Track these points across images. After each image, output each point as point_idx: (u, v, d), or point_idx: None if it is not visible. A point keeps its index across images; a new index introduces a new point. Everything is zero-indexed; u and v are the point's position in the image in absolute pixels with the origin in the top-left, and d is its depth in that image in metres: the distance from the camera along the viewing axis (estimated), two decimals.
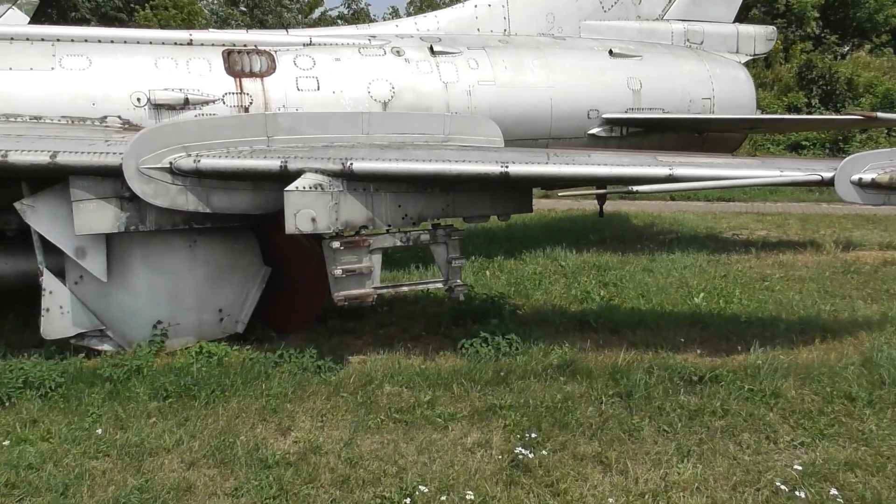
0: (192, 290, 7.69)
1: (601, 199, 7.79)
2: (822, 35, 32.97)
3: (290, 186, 6.48)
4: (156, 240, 7.44)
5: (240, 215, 7.27)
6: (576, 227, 15.80)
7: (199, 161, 6.66)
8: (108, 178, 6.88)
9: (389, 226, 6.89)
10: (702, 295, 9.68)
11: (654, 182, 6.31)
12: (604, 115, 11.88)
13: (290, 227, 6.50)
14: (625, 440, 5.54)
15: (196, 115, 8.52)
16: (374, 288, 6.95)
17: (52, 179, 7.00)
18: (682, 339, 7.77)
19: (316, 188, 6.51)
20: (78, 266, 7.24)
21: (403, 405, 6.27)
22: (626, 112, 12.00)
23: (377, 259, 6.94)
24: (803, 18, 31.38)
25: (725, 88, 12.84)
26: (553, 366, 6.87)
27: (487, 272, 11.36)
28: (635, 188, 6.20)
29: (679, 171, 6.25)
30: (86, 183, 6.78)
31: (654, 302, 9.48)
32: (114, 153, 6.74)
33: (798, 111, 26.24)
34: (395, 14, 46.01)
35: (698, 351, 7.44)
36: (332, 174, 6.55)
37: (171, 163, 6.68)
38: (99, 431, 5.78)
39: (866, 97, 27.67)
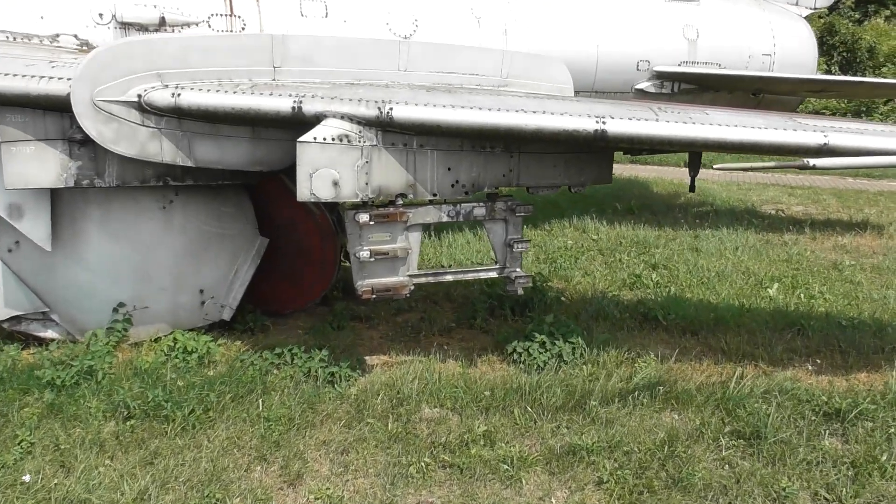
0: (166, 264, 5.93)
1: (695, 170, 6.32)
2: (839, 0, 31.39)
3: (306, 136, 4.70)
4: (118, 198, 5.63)
5: (232, 171, 5.47)
6: (597, 193, 14.17)
7: (179, 95, 4.83)
8: (53, 114, 5.04)
9: (435, 195, 5.16)
10: (776, 286, 8.14)
11: (805, 153, 4.66)
12: (655, 68, 10.18)
13: (304, 192, 4.75)
14: None
15: None
16: (410, 276, 5.24)
17: None
18: (781, 348, 6.22)
19: (341, 140, 4.74)
20: (12, 229, 5.43)
21: (452, 439, 4.65)
22: (679, 65, 10.31)
23: (416, 238, 5.23)
24: None
25: (787, 44, 11.15)
26: (640, 387, 5.27)
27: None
28: (812, 161, 4.55)
29: (837, 140, 4.60)
30: (20, 119, 4.94)
31: (721, 292, 7.93)
32: (59, 78, 4.89)
33: None
34: None
35: (810, 366, 5.90)
36: (364, 122, 4.77)
37: (139, 95, 4.85)
38: (27, 478, 4.06)
39: (888, 66, 26.22)
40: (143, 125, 4.92)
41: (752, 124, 4.79)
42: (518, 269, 5.43)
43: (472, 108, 4.81)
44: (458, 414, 4.98)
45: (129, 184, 5.39)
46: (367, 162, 4.84)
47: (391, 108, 4.75)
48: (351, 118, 4.76)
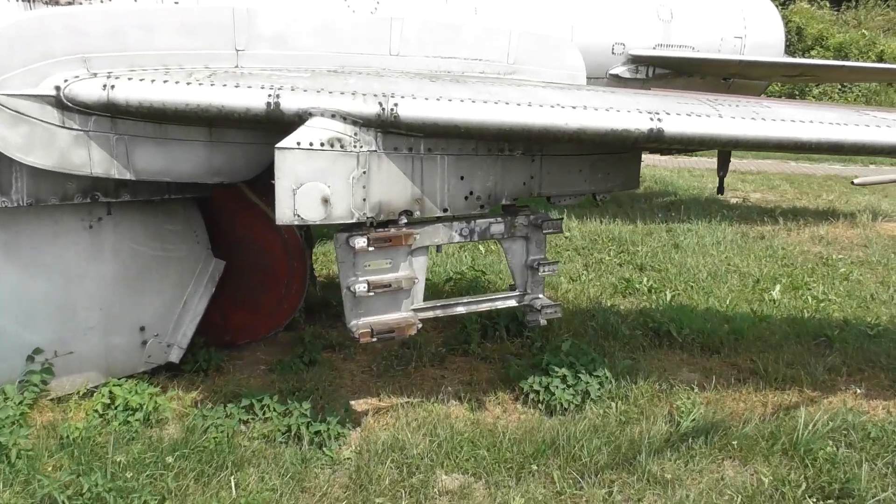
0: (95, 297, 4.70)
1: (724, 170, 5.58)
2: None
3: (287, 141, 3.61)
4: (29, 218, 4.37)
5: (181, 184, 4.31)
6: None
7: (113, 87, 3.64)
8: None
9: (446, 210, 4.16)
10: (777, 288, 7.55)
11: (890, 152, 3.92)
12: (630, 52, 9.44)
13: (285, 213, 3.66)
14: None
15: None
16: (415, 310, 4.23)
17: None
18: (821, 368, 5.55)
19: (332, 145, 3.67)
20: None
21: None
22: (654, 48, 9.62)
23: (421, 264, 4.22)
24: None
25: (757, 26, 10.63)
26: (691, 432, 4.45)
27: (480, 246, 8.82)
28: None
29: None
30: None
31: (722, 296, 7.28)
32: None
33: None
34: None
35: (858, 390, 5.25)
36: (362, 122, 3.72)
37: (58, 87, 3.63)
38: None
39: (817, 49, 26.62)
40: (64, 127, 3.70)
41: (825, 119, 4.00)
42: (541, 297, 4.51)
43: (496, 102, 3.82)
44: (483, 481, 4.04)
45: (46, 202, 4.15)
46: (364, 172, 3.80)
47: (396, 104, 3.71)
48: (344, 117, 3.69)
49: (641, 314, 6.67)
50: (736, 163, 17.60)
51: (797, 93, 23.93)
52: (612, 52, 9.28)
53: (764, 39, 10.62)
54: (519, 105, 3.81)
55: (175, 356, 5.06)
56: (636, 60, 9.46)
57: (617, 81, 9.40)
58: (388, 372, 5.47)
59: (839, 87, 24.17)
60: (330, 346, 5.87)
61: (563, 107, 3.85)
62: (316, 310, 6.51)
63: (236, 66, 4.02)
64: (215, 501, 3.71)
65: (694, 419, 4.56)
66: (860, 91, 23.63)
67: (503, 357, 5.70)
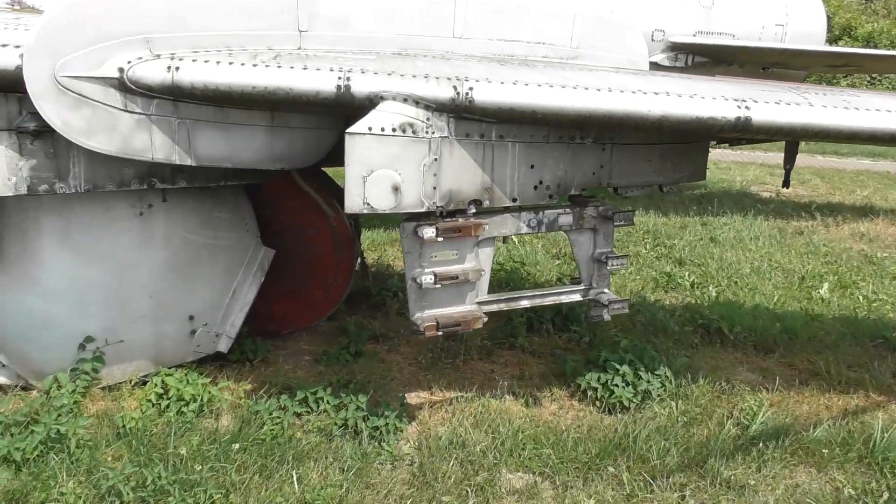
0: (145, 285, 4.59)
1: (791, 162, 5.42)
2: None
3: (359, 125, 3.47)
4: (83, 205, 4.25)
5: (238, 170, 4.18)
6: None
7: (178, 69, 3.51)
8: None
9: (515, 199, 4.01)
10: (825, 286, 7.38)
11: None
12: (670, 39, 9.24)
13: (355, 201, 3.53)
14: None
15: None
16: (480, 303, 4.10)
17: None
18: (887, 371, 5.38)
19: (404, 131, 3.53)
20: None
21: None
22: (694, 35, 9.41)
23: (487, 255, 4.08)
24: None
25: (799, 14, 10.37)
26: (762, 436, 4.30)
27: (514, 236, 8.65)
28: None
29: None
30: None
31: (768, 294, 7.11)
32: (1, 45, 3.48)
33: None
34: None
35: None
36: (434, 106, 3.57)
37: (121, 69, 3.49)
38: None
39: (844, 39, 26.21)
40: (127, 110, 3.57)
41: None
42: (607, 291, 4.36)
43: (574, 87, 3.66)
44: (550, 481, 3.91)
45: (103, 188, 4.02)
46: (435, 159, 3.65)
47: (471, 88, 3.56)
48: (417, 101, 3.55)
49: (687, 310, 6.52)
50: (762, 155, 17.36)
51: (824, 82, 23.59)
52: (652, 39, 9.08)
53: (805, 28, 10.37)
54: (599, 91, 3.65)
55: (224, 346, 4.95)
56: (676, 48, 9.28)
57: (656, 70, 9.21)
58: (436, 365, 5.35)
59: (867, 78, 23.80)
60: (374, 337, 5.75)
61: (644, 93, 3.69)
62: (356, 299, 6.38)
63: (299, 48, 3.87)
64: (279, 497, 3.60)
65: (762, 422, 4.41)
66: (889, 83, 23.25)
67: (553, 352, 5.57)
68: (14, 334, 4.41)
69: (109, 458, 3.88)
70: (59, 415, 4.04)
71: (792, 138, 4.68)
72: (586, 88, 3.66)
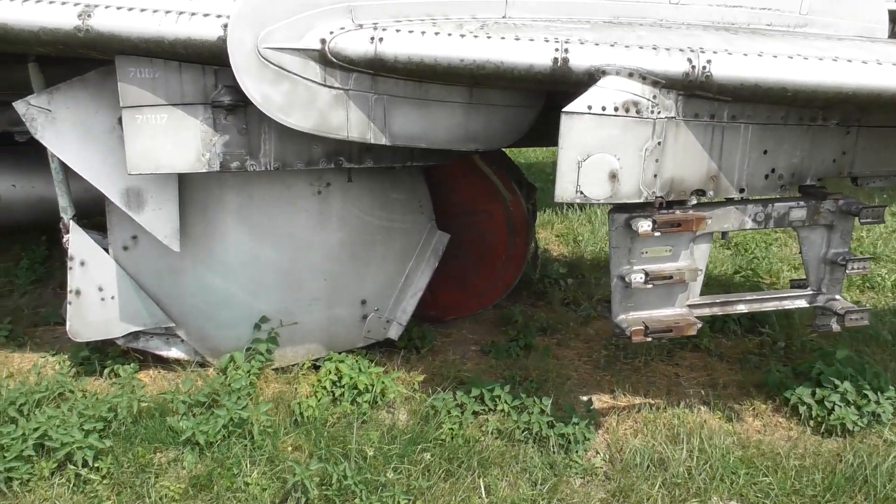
0: (320, 267, 4.45)
1: None
2: None
3: (577, 104, 3.07)
4: (262, 183, 4.12)
5: (428, 151, 3.89)
6: None
7: (381, 40, 3.23)
8: (190, 68, 3.51)
9: (742, 190, 3.49)
10: None
11: None
12: None
13: (567, 189, 3.15)
14: None
15: None
16: (690, 306, 3.62)
17: (82, 59, 3.67)
18: None
19: (627, 110, 3.10)
20: (128, 221, 4.01)
21: None
22: None
23: (703, 253, 3.59)
24: None
25: None
26: None
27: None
28: None
29: None
30: (148, 74, 3.41)
31: None
32: (205, 15, 3.33)
33: None
34: None
35: None
36: (664, 82, 3.11)
37: (323, 41, 3.26)
38: None
39: None
40: (325, 85, 3.34)
41: None
42: (840, 298, 3.76)
43: (834, 60, 3.09)
44: None
45: (292, 166, 3.86)
46: (659, 143, 3.20)
47: (709, 61, 3.07)
48: (644, 76, 3.10)
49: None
50: None
51: None
52: None
53: None
54: (865, 63, 3.06)
55: (394, 333, 4.75)
56: None
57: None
58: (614, 364, 4.92)
59: None
60: (541, 329, 5.39)
61: None
62: (517, 286, 6.01)
63: (504, 17, 3.51)
64: None
65: None
66: None
67: (745, 357, 5.00)
68: (194, 311, 4.39)
69: (290, 448, 3.76)
70: (239, 398, 3.96)
71: None
72: (850, 61, 3.07)
